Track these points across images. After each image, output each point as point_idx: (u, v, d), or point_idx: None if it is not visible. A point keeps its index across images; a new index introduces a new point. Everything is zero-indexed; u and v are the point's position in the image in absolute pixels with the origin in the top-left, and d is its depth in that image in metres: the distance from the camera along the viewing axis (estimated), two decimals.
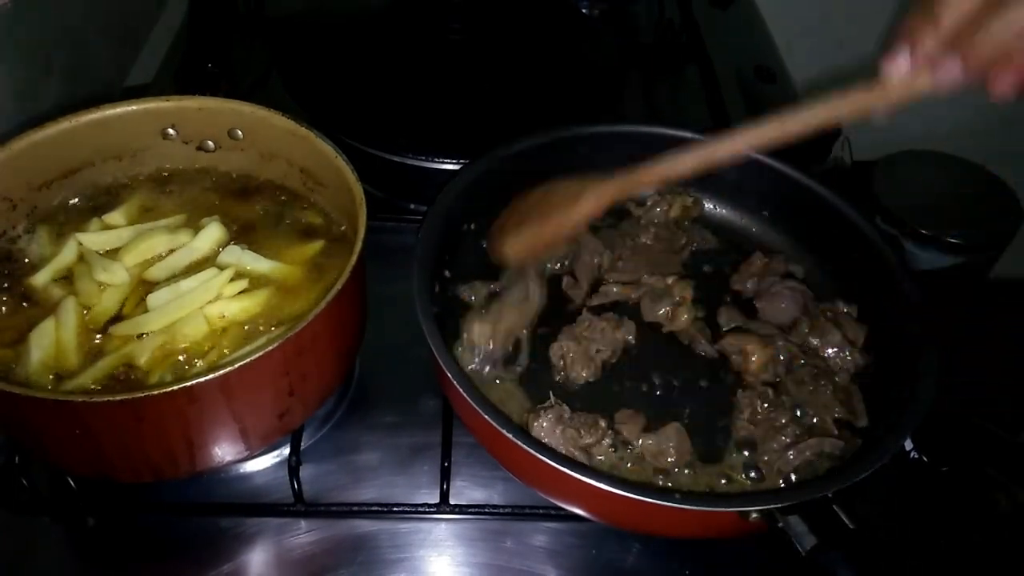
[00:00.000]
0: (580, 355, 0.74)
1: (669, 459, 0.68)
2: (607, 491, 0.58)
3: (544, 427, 0.67)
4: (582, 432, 0.67)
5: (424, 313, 0.66)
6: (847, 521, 0.57)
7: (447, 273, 0.79)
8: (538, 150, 0.84)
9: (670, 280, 0.81)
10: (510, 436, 0.60)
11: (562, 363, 0.74)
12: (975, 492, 0.75)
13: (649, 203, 0.89)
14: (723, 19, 1.34)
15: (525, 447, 0.59)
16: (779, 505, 0.57)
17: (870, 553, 0.54)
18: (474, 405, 0.61)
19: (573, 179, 0.73)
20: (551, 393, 0.71)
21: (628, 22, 1.31)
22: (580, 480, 0.58)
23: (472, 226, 0.83)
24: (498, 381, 0.73)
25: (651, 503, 0.58)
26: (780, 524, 0.57)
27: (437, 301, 0.74)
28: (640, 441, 0.68)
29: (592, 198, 0.71)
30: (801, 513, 0.57)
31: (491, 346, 0.73)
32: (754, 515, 0.58)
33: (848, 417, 0.72)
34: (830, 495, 0.58)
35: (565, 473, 0.58)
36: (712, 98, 1.14)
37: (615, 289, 0.82)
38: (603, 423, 0.68)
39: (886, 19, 1.69)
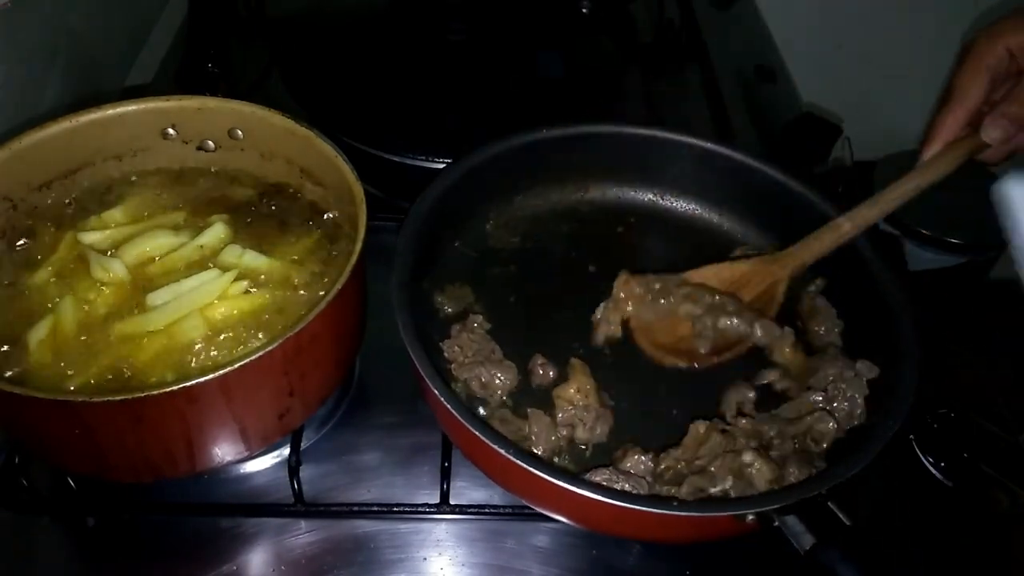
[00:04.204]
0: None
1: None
2: (599, 500, 0.57)
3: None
4: None
5: (404, 325, 0.66)
6: (843, 518, 0.57)
7: (425, 284, 0.78)
8: (514, 153, 0.83)
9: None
10: (498, 448, 0.59)
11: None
12: (975, 492, 0.75)
13: None
14: (723, 19, 1.34)
15: (511, 457, 0.58)
16: (775, 506, 0.57)
17: (868, 549, 0.54)
18: (460, 419, 0.60)
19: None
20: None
21: (628, 22, 1.31)
22: (571, 491, 0.57)
23: (452, 233, 0.83)
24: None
25: (645, 511, 0.58)
26: (777, 524, 0.57)
27: (416, 307, 0.72)
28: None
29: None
30: (797, 513, 0.57)
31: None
32: (750, 517, 0.58)
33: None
34: (824, 493, 0.58)
35: (554, 484, 0.57)
36: (712, 98, 1.14)
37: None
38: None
39: (886, 20, 1.69)
